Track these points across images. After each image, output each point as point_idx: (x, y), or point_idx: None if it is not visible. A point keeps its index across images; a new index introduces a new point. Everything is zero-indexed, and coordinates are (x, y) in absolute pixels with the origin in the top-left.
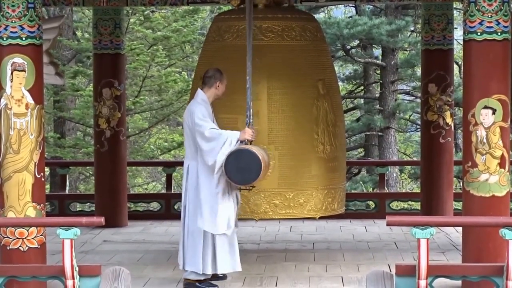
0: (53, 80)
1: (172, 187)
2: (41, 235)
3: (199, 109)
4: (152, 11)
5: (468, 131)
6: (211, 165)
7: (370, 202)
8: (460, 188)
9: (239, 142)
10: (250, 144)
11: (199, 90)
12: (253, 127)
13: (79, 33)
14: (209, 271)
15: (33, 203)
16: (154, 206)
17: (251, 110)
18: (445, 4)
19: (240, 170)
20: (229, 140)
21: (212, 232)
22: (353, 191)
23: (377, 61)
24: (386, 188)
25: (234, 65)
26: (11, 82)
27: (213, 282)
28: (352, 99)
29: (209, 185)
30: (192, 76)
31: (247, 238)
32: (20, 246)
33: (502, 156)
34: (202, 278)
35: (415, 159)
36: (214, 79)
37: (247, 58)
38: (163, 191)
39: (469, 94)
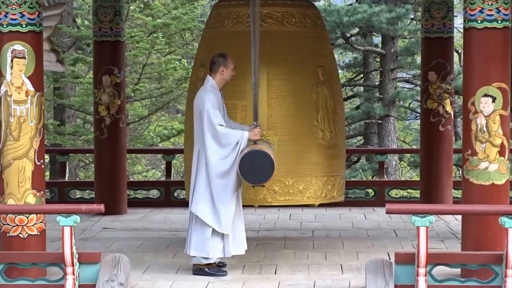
0: (54, 68)
1: (172, 175)
2: (41, 222)
3: (209, 97)
4: None
5: (468, 119)
6: (228, 167)
7: (370, 190)
8: (459, 176)
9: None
10: (255, 142)
11: (208, 77)
12: (259, 125)
13: (79, 20)
14: (219, 255)
15: (33, 190)
16: (154, 193)
17: (257, 110)
18: None
19: (255, 171)
20: (240, 143)
21: (217, 229)
22: (352, 179)
23: (377, 49)
24: (385, 176)
25: (234, 51)
26: (11, 69)
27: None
28: (352, 87)
29: (222, 181)
30: (192, 64)
31: (246, 225)
32: (20, 233)
33: (502, 144)
34: (211, 262)
35: (414, 147)
36: (217, 65)
37: (252, 57)
38: (163, 178)
39: (469, 82)
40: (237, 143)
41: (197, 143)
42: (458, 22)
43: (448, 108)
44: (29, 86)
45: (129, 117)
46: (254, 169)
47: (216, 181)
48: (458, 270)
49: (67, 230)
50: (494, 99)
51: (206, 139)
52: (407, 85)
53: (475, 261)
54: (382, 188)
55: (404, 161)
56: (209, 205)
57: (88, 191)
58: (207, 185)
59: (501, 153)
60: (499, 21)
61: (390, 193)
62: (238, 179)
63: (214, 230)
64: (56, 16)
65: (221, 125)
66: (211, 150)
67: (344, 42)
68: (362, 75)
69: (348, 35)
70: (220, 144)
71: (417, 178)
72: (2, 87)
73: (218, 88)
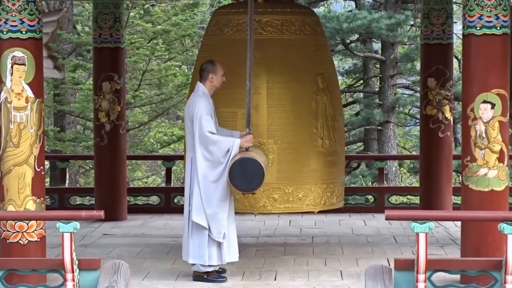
0: (51, 74)
1: (172, 181)
2: (41, 228)
3: (201, 104)
4: (152, 5)
5: (467, 126)
6: (217, 175)
7: (369, 196)
8: (459, 183)
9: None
10: (247, 149)
11: (199, 83)
12: (252, 131)
13: (79, 27)
14: (215, 262)
15: (33, 197)
16: (154, 199)
17: (250, 117)
18: None
19: (245, 178)
20: (232, 150)
21: (211, 235)
22: (352, 185)
23: (377, 55)
24: (385, 182)
25: (234, 59)
26: (11, 75)
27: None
28: (352, 93)
29: (215, 189)
30: (192, 70)
31: (246, 232)
32: (20, 240)
33: (501, 151)
34: (210, 269)
35: (414, 153)
36: (206, 72)
37: (247, 64)
38: (163, 184)
39: (468, 88)
40: (228, 150)
41: (190, 150)
42: (458, 28)
43: (448, 115)
44: (29, 92)
45: (129, 123)
46: (244, 176)
47: (206, 188)
48: (457, 276)
49: (67, 237)
50: (493, 106)
51: (197, 146)
52: (407, 91)
53: (474, 267)
54: (382, 194)
55: (404, 167)
56: (204, 212)
57: (88, 197)
58: (199, 192)
59: (500, 159)
60: (498, 28)
61: (390, 199)
62: (227, 186)
63: (210, 238)
64: (53, 23)
65: (212, 133)
66: (201, 157)
67: (344, 48)
68: (362, 81)
69: (348, 41)
70: (210, 152)
71: (417, 184)
72: (2, 93)
73: (209, 95)
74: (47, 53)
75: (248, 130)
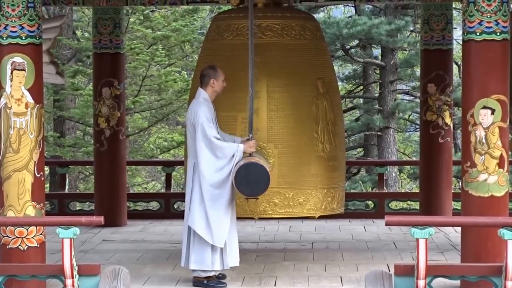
0: (54, 80)
1: (172, 187)
2: (41, 234)
3: (203, 110)
4: (152, 11)
5: (467, 131)
6: (221, 180)
7: (369, 202)
8: (459, 188)
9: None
10: (250, 155)
11: (200, 89)
12: (254, 137)
13: (79, 33)
14: (218, 267)
15: (33, 202)
16: (154, 205)
17: (253, 123)
18: (445, 4)
19: (250, 183)
20: (236, 155)
21: (209, 241)
22: (352, 191)
23: (377, 61)
24: (385, 188)
25: (234, 63)
26: (11, 81)
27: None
28: (352, 99)
29: (215, 194)
30: (192, 76)
31: (247, 237)
32: (19, 245)
33: (501, 156)
34: (211, 274)
35: (414, 159)
36: (208, 77)
37: (249, 71)
38: (163, 190)
39: (468, 94)
40: (233, 155)
41: (191, 156)
42: (458, 34)
43: (448, 120)
44: (28, 98)
45: (129, 129)
46: (249, 181)
47: (209, 194)
48: (457, 282)
49: (66, 242)
50: (493, 111)
51: (201, 151)
52: (407, 97)
53: (474, 273)
54: (382, 200)
55: (404, 173)
56: (203, 218)
57: (88, 203)
58: (201, 198)
59: (500, 165)
60: (498, 33)
61: (389, 205)
62: (231, 192)
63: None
64: (55, 28)
65: (217, 138)
66: (205, 162)
67: (344, 54)
68: (361, 87)
69: (348, 47)
70: (216, 157)
71: (417, 190)
72: (2, 99)
73: (210, 101)
74: (49, 59)
75: (250, 136)
